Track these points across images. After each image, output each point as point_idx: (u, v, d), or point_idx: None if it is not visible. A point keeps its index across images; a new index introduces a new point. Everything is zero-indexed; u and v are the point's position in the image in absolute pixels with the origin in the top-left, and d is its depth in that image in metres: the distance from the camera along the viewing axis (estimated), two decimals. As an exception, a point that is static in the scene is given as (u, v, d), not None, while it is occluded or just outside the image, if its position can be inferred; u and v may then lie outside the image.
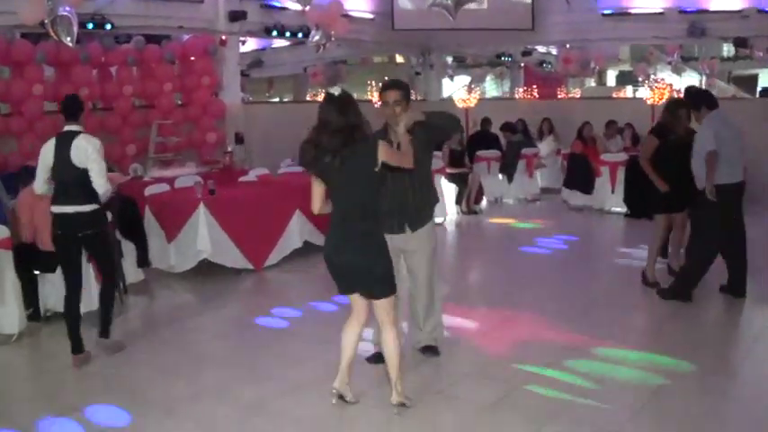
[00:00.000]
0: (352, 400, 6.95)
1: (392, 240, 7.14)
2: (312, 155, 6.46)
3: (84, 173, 8.30)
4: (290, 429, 6.59)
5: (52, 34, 13.12)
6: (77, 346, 8.51)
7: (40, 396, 7.62)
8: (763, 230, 13.78)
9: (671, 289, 10.23)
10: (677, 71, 31.50)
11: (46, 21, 12.89)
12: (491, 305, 10.32)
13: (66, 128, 8.52)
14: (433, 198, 7.92)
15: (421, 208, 7.69)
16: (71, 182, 8.36)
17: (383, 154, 6.43)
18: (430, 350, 8.11)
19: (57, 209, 8.43)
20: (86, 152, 8.30)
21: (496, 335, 8.95)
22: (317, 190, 6.65)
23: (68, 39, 13.12)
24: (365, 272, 6.59)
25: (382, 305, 6.69)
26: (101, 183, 8.35)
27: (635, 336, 9.06)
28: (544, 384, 7.28)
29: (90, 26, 15.26)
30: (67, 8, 12.89)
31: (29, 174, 10.54)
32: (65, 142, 8.36)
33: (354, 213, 6.52)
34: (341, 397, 6.91)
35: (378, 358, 7.58)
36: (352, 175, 6.42)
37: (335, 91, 6.55)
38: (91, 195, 8.40)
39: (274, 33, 19.31)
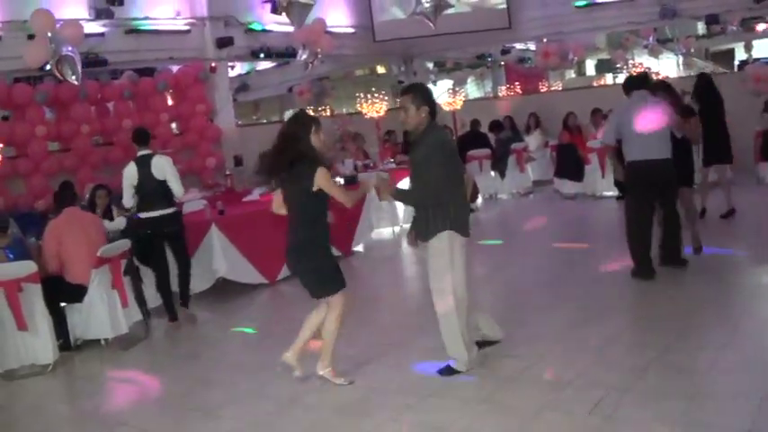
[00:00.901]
0: (299, 375, 7.82)
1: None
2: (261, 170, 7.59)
3: (163, 183, 10.76)
4: (328, 415, 7.03)
5: (57, 74, 13.59)
6: (173, 315, 11.01)
7: (85, 415, 8.03)
8: (743, 199, 14.34)
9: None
10: (654, 54, 31.77)
11: (50, 62, 13.37)
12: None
13: (141, 153, 10.92)
14: (436, 212, 7.41)
15: (427, 221, 7.49)
16: (153, 192, 10.78)
17: (322, 181, 7.23)
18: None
19: (145, 215, 10.85)
20: (164, 167, 10.81)
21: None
22: (277, 194, 7.66)
23: (74, 77, 13.62)
24: (304, 274, 7.58)
25: (329, 302, 7.61)
26: (177, 187, 10.95)
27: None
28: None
29: (85, 64, 15.57)
30: (70, 48, 13.37)
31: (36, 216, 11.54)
32: (144, 163, 10.77)
33: (295, 222, 7.46)
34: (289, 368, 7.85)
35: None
36: (291, 193, 7.40)
37: (289, 113, 7.22)
38: (170, 201, 10.96)
39: (261, 56, 19.80)
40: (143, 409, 7.94)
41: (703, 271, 10.62)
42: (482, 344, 7.88)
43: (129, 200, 11.02)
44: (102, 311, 9.88)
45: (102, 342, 10.10)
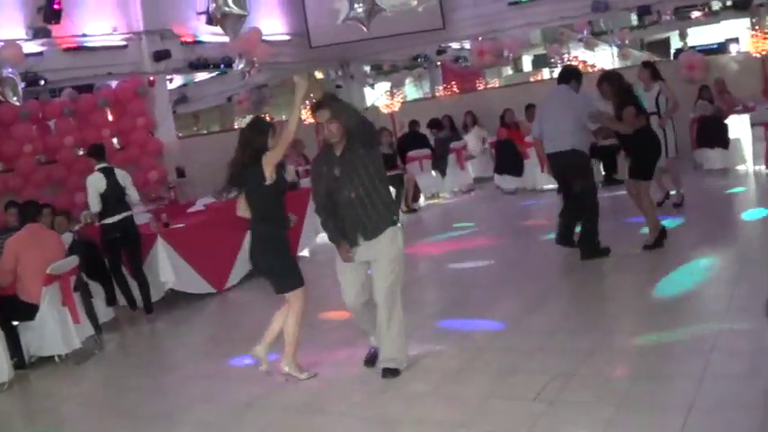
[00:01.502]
0: (265, 369, 8.16)
1: (357, 254, 7.63)
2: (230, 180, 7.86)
3: (123, 191, 12.25)
4: (281, 415, 7.20)
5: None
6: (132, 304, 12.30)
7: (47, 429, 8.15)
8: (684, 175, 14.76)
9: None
10: (590, 47, 31.99)
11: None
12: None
13: (103, 165, 12.28)
14: (384, 205, 7.60)
15: (372, 217, 7.52)
16: (117, 199, 12.15)
17: (268, 165, 7.60)
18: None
19: (111, 219, 12.08)
20: (125, 177, 12.43)
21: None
22: (241, 197, 7.94)
23: (15, 98, 13.73)
24: (266, 270, 7.91)
25: (289, 297, 7.89)
26: (135, 195, 12.62)
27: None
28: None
29: (24, 84, 15.58)
30: (10, 69, 13.47)
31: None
32: (109, 173, 12.22)
33: (255, 219, 7.80)
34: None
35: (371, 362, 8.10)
36: (250, 191, 7.77)
37: (245, 120, 7.56)
38: (128, 206, 12.35)
39: (198, 68, 19.88)
40: (100, 420, 8.08)
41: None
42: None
43: (96, 205, 12.10)
44: (55, 328, 9.96)
45: (56, 358, 10.20)
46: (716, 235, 11.66)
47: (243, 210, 7.98)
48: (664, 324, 7.98)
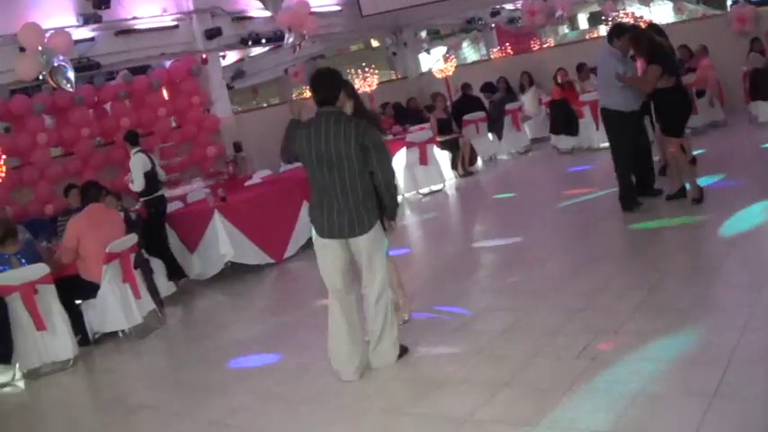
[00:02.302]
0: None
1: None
2: None
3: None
4: (333, 384, 7.32)
5: (52, 84, 13.95)
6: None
7: (109, 403, 8.39)
8: (739, 137, 14.62)
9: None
10: (645, 2, 31.70)
11: (43, 73, 13.71)
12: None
13: (139, 149, 13.39)
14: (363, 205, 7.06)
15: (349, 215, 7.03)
16: (156, 178, 13.38)
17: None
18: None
19: (157, 193, 13.34)
20: (156, 160, 13.83)
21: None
22: None
23: (68, 85, 13.99)
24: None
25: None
26: (163, 174, 14.18)
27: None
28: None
29: (78, 70, 15.81)
30: (61, 58, 13.72)
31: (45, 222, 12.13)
32: (148, 154, 13.54)
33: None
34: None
35: None
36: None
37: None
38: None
39: (250, 43, 20.06)
40: (160, 392, 8.29)
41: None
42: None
43: (141, 184, 13.10)
44: (116, 305, 10.25)
45: (120, 334, 10.49)
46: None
47: None
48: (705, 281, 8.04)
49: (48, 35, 14.07)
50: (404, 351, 7.51)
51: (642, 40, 11.19)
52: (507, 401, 6.09)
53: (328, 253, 7.19)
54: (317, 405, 6.92)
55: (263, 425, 6.71)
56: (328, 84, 7.08)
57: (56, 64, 13.72)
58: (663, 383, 5.87)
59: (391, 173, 7.10)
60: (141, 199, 13.39)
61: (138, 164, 13.12)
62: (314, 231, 7.23)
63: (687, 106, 11.54)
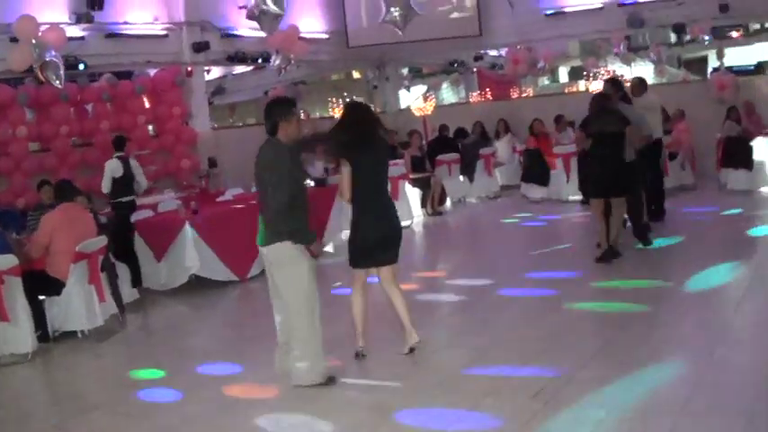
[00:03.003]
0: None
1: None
2: None
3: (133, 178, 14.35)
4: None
5: (41, 78, 14.02)
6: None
7: (64, 400, 8.50)
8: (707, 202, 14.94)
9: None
10: (626, 61, 32.00)
11: (34, 66, 13.80)
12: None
13: (120, 154, 14.32)
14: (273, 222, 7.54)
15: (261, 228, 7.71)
16: (129, 183, 14.20)
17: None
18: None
19: (125, 198, 14.13)
20: (137, 166, 14.64)
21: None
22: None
23: (57, 81, 14.08)
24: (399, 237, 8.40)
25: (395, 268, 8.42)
26: (144, 181, 14.84)
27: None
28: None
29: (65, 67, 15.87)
30: (53, 53, 13.82)
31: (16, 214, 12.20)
32: (125, 160, 14.28)
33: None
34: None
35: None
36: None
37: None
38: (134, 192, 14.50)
39: (236, 61, 20.23)
40: (118, 393, 8.37)
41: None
42: None
43: (107, 188, 14.13)
44: (80, 305, 10.30)
45: (79, 334, 10.48)
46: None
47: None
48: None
49: (42, 29, 14.14)
50: (329, 381, 7.74)
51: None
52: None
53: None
54: (276, 415, 7.15)
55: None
56: (266, 116, 7.76)
57: (48, 59, 13.80)
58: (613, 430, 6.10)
59: (278, 199, 7.37)
60: (111, 201, 14.27)
61: (109, 169, 14.17)
62: None
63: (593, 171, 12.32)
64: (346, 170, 7.87)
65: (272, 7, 15.59)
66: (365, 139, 8.01)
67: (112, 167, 14.11)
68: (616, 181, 11.73)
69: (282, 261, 7.60)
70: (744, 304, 9.24)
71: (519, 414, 6.56)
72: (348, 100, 7.14)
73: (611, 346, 8.11)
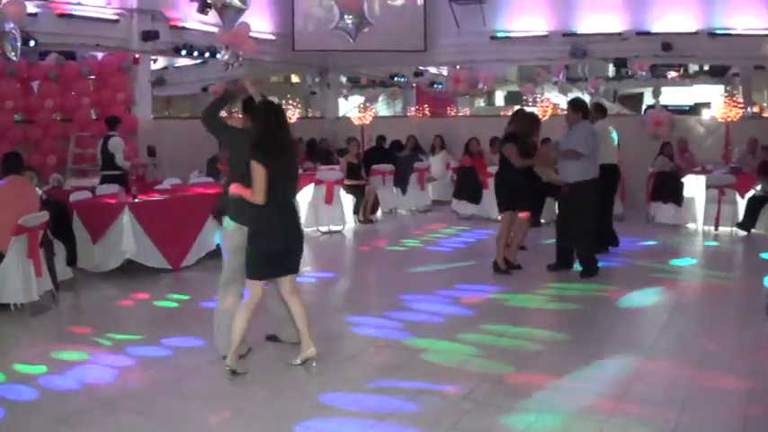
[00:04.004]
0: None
1: None
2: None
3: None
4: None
5: (-2, 49, 14.00)
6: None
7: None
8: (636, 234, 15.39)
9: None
10: (563, 91, 32.38)
11: (-10, 36, 13.79)
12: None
13: (113, 133, 15.85)
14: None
15: None
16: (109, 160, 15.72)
17: None
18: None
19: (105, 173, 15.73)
20: (116, 144, 15.78)
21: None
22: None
23: (13, 54, 14.05)
24: (299, 248, 8.26)
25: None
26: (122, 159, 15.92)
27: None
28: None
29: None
30: (11, 25, 13.80)
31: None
32: (106, 139, 15.74)
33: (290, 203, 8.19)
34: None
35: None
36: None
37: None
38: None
39: (183, 53, 20.29)
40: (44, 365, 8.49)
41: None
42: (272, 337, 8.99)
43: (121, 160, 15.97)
44: (17, 278, 10.36)
45: (12, 307, 10.56)
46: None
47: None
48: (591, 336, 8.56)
49: (3, 1, 14.11)
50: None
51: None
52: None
53: None
54: (203, 399, 7.43)
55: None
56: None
57: (7, 29, 13.77)
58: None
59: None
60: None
61: (120, 145, 15.91)
62: None
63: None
64: (262, 173, 7.63)
65: (236, 1, 15.71)
66: (283, 147, 7.87)
67: (121, 143, 15.92)
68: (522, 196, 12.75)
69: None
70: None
71: (449, 413, 6.86)
72: (265, 99, 7.07)
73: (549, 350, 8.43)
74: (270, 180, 7.61)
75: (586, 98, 31.60)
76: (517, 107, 19.79)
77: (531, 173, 12.95)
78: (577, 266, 12.73)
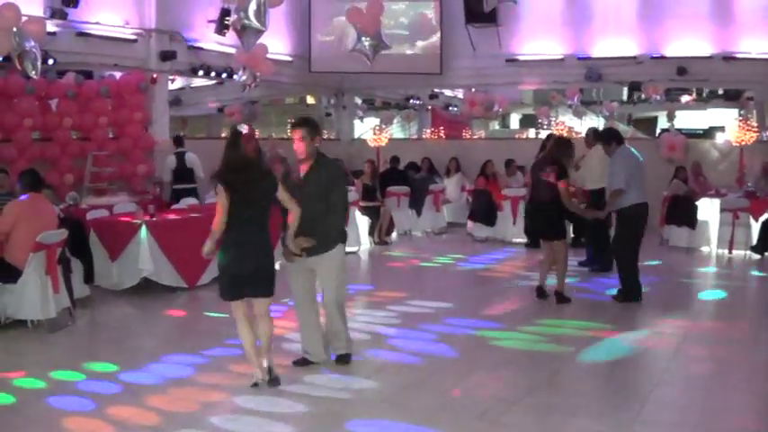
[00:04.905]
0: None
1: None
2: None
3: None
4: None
5: (18, 67, 14.03)
6: None
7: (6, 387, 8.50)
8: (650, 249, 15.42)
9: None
10: (578, 114, 32.38)
11: (13, 55, 13.84)
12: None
13: (180, 150, 18.08)
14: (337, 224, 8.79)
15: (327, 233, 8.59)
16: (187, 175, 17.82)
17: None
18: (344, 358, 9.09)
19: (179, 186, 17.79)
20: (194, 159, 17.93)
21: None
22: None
23: (33, 72, 14.11)
24: (268, 273, 8.28)
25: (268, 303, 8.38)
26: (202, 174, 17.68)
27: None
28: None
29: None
30: (32, 43, 13.89)
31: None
32: (182, 155, 17.87)
33: (262, 225, 8.21)
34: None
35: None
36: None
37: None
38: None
39: (200, 73, 20.42)
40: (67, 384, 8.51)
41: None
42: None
43: (168, 174, 18.24)
44: (34, 294, 10.42)
45: (29, 324, 10.62)
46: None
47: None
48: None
49: (24, 19, 14.18)
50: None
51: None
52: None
53: None
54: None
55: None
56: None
57: (27, 48, 13.85)
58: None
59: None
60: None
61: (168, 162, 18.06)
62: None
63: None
64: (222, 197, 7.88)
65: (255, 23, 15.79)
66: (247, 170, 7.95)
67: (169, 162, 17.94)
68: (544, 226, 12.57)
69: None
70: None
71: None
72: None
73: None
74: (231, 205, 7.84)
75: (601, 121, 31.91)
76: (532, 130, 19.81)
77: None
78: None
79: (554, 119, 29.86)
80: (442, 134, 28.44)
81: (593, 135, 15.28)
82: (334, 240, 8.65)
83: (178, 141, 18.48)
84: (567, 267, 12.59)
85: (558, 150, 12.64)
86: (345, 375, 8.57)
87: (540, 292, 12.60)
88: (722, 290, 13.80)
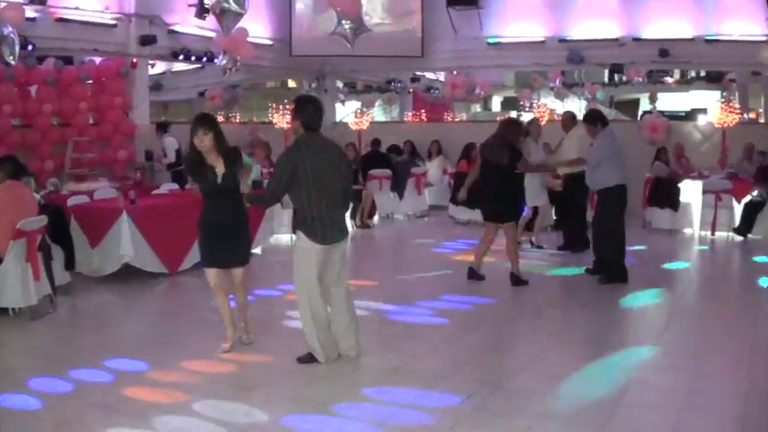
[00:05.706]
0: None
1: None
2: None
3: None
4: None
5: (-5, 53, 13.99)
6: None
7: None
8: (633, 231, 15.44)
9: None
10: (560, 96, 32.39)
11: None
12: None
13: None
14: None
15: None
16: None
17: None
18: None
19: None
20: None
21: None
22: None
23: (12, 58, 14.06)
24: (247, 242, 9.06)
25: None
26: None
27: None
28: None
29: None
30: (11, 29, 13.81)
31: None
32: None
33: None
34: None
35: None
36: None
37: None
38: None
39: (181, 57, 20.37)
40: (46, 370, 8.44)
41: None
42: None
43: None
44: (15, 281, 10.37)
45: (11, 311, 10.56)
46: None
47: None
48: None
49: (2, 5, 14.09)
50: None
51: None
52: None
53: None
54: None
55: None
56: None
57: (5, 34, 13.77)
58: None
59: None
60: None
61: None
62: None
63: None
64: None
65: (234, 6, 15.73)
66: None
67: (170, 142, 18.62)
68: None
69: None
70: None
71: (447, 415, 6.90)
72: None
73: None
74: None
75: (583, 104, 31.92)
76: (513, 112, 19.78)
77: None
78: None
79: (536, 101, 29.78)
80: (423, 117, 28.38)
81: (573, 118, 15.33)
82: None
83: (163, 127, 18.89)
84: (518, 249, 12.99)
85: (507, 131, 12.73)
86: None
87: (473, 272, 12.83)
88: (705, 270, 13.96)
